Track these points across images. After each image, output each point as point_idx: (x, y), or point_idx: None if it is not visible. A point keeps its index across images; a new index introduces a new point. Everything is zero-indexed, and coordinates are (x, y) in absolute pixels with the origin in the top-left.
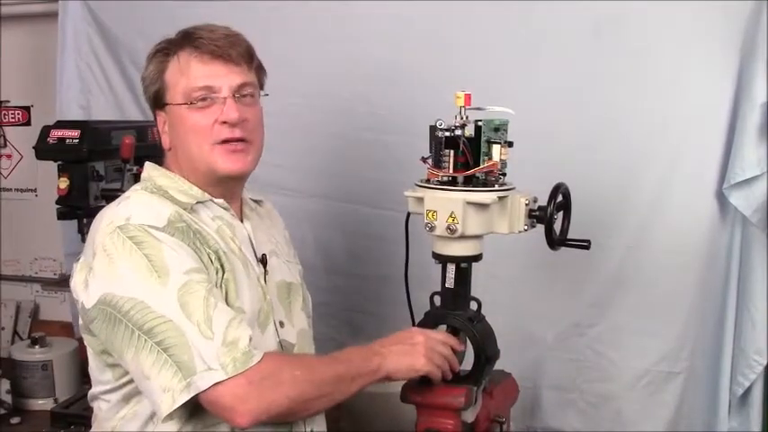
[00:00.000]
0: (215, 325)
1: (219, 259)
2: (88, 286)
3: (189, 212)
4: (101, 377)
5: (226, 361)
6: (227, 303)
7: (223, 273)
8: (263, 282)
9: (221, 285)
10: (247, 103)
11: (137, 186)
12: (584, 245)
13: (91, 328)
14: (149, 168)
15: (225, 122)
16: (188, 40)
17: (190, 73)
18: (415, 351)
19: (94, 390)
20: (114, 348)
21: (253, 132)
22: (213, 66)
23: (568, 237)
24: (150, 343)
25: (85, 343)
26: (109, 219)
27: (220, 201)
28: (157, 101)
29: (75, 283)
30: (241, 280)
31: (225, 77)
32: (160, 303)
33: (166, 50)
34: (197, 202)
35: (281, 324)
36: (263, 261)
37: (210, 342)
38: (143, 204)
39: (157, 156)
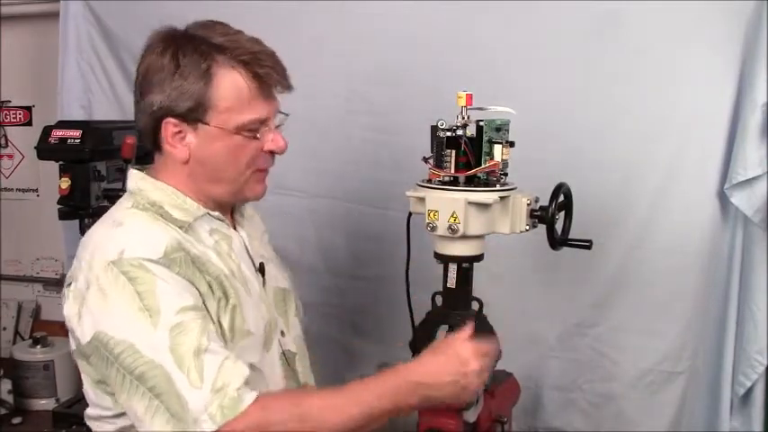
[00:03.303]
0: (206, 370)
1: (222, 285)
2: (82, 319)
3: (185, 231)
4: (99, 402)
5: (213, 410)
6: (235, 329)
7: (227, 300)
8: (263, 295)
9: (227, 313)
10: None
11: (127, 203)
12: (586, 245)
13: (88, 362)
14: (137, 179)
15: (272, 152)
16: (241, 63)
17: (249, 104)
18: (467, 382)
19: (92, 412)
20: (109, 386)
21: None
22: (270, 98)
23: (570, 237)
24: (142, 389)
25: (81, 370)
26: (103, 250)
27: (216, 213)
28: (188, 114)
29: (69, 312)
30: (245, 302)
31: (273, 106)
32: (150, 346)
33: (209, 66)
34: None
35: (282, 333)
36: (261, 270)
37: (199, 391)
38: (138, 232)
39: (149, 159)
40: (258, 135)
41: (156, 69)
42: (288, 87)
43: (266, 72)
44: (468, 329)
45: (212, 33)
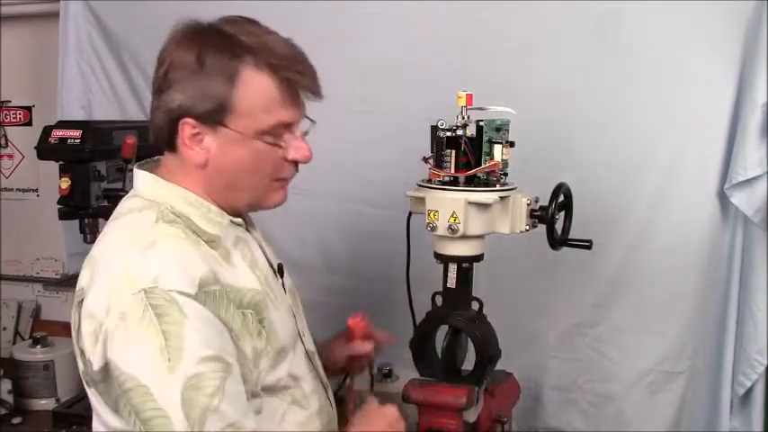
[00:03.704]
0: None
1: (257, 306)
2: (97, 343)
3: (213, 246)
4: (110, 422)
5: None
6: (273, 347)
7: (261, 323)
8: (288, 301)
9: (262, 340)
10: None
11: (148, 212)
12: (586, 245)
13: (98, 387)
14: (152, 184)
15: (296, 161)
16: (268, 66)
17: (274, 109)
18: None
19: (100, 429)
20: (118, 414)
21: None
22: (297, 103)
23: (570, 237)
24: None
25: (92, 392)
26: (134, 275)
27: (238, 220)
28: (208, 116)
29: (84, 332)
30: (275, 316)
31: (300, 111)
32: (163, 393)
33: (233, 66)
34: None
35: (303, 333)
36: (280, 271)
37: None
38: (173, 257)
39: (152, 155)
40: (282, 143)
41: (180, 66)
42: (317, 94)
43: (294, 77)
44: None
45: (241, 32)
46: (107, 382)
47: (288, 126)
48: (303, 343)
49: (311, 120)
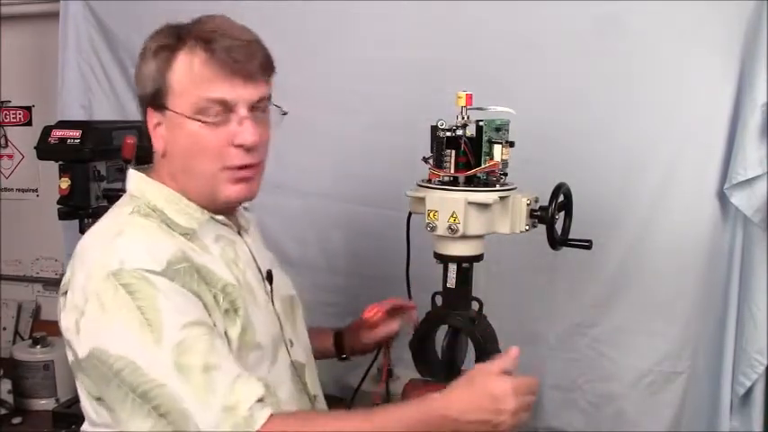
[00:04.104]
0: (216, 388)
1: (229, 295)
2: (80, 332)
3: (189, 239)
4: (97, 419)
5: (225, 430)
6: (244, 342)
7: (235, 312)
8: (271, 305)
9: (236, 325)
10: (260, 120)
11: (127, 207)
12: (586, 245)
13: (86, 376)
14: (138, 181)
15: (240, 146)
16: (201, 41)
17: (202, 83)
18: (500, 421)
19: (90, 430)
20: (109, 403)
21: (263, 153)
22: (229, 78)
23: (570, 237)
24: (146, 407)
25: (78, 384)
26: (102, 261)
27: (221, 218)
28: (155, 100)
29: (67, 324)
30: (253, 313)
31: (241, 91)
32: (153, 364)
33: (173, 47)
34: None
35: (291, 343)
36: (269, 278)
37: (209, 410)
38: (140, 242)
39: (149, 158)
40: (217, 121)
41: (139, 62)
42: (249, 75)
43: (225, 51)
44: (503, 361)
45: (197, 21)
46: (95, 371)
47: (226, 105)
48: (289, 353)
49: (278, 106)
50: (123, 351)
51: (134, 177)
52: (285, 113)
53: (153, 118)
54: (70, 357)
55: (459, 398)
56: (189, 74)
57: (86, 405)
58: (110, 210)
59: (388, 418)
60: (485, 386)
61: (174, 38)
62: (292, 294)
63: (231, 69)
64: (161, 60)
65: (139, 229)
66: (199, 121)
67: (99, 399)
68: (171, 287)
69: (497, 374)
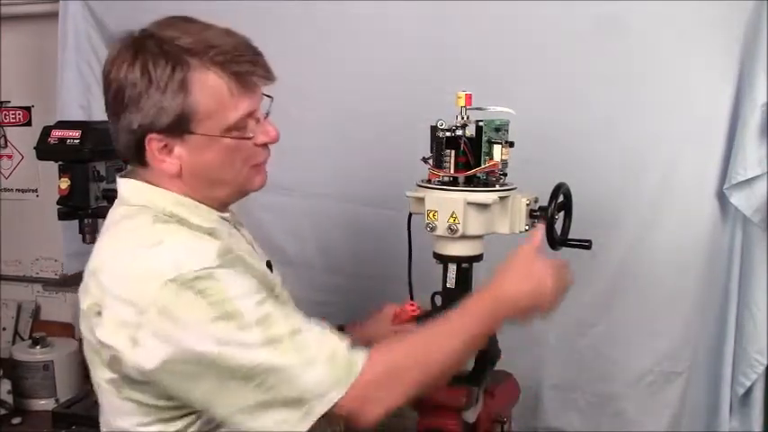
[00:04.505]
0: (310, 347)
1: (270, 283)
2: (142, 345)
3: (215, 238)
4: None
5: (335, 378)
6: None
7: (276, 298)
8: (286, 293)
9: (280, 307)
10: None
11: (142, 217)
12: (586, 245)
13: (152, 386)
14: (139, 190)
15: (266, 144)
16: (225, 64)
17: (235, 106)
18: (544, 301)
19: (122, 422)
20: (195, 401)
21: None
22: (251, 90)
23: (570, 237)
24: (247, 387)
25: (119, 395)
26: (153, 273)
27: (226, 215)
28: (171, 129)
29: (115, 341)
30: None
31: (258, 96)
32: (246, 348)
33: (186, 71)
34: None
35: None
36: (269, 268)
37: (313, 367)
38: (183, 245)
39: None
40: (249, 133)
41: (128, 86)
42: (268, 78)
43: (242, 68)
44: (537, 236)
45: (179, 33)
46: (172, 376)
47: (250, 114)
48: None
49: (268, 96)
50: (211, 345)
51: (131, 187)
52: (271, 98)
53: (159, 143)
54: (111, 375)
55: (510, 282)
56: (215, 99)
57: (138, 415)
58: (120, 222)
59: (463, 320)
60: (525, 269)
61: (173, 62)
62: (287, 290)
63: (252, 85)
64: (172, 90)
65: (176, 234)
66: (235, 138)
67: (157, 407)
68: (231, 274)
69: (532, 256)
